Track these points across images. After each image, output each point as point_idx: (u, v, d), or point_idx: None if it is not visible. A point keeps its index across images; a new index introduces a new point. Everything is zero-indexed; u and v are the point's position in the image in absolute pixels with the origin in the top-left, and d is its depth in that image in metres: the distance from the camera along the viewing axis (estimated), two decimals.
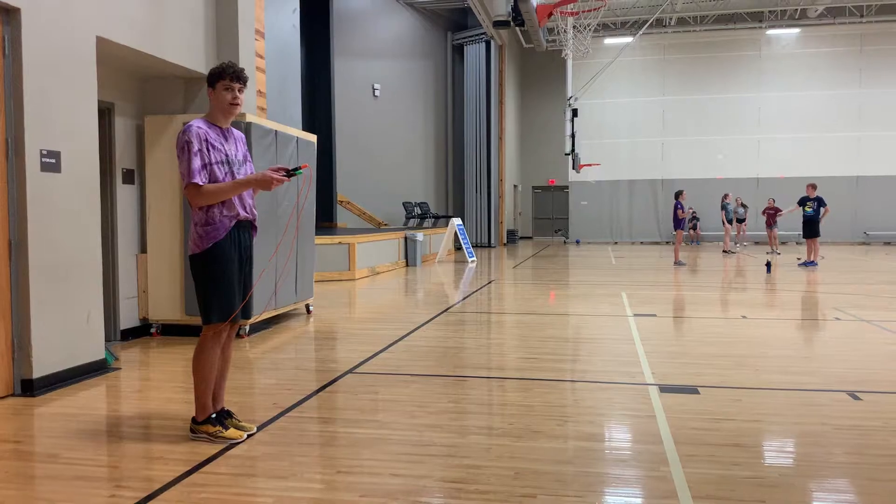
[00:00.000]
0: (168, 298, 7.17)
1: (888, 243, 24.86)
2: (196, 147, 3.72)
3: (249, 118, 7.06)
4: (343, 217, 21.89)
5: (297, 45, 11.07)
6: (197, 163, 3.70)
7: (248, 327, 7.10)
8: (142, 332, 7.27)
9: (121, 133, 7.04)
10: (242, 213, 3.93)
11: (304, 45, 17.97)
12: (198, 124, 3.83)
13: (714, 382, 5.14)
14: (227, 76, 3.87)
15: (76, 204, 5.44)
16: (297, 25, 11.01)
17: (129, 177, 7.14)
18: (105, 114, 6.84)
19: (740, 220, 22.81)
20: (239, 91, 3.91)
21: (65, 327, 5.33)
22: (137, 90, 7.28)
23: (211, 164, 3.77)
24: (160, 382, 5.45)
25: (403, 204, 23.03)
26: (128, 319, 7.13)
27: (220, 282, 3.83)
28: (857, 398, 4.68)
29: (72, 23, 5.41)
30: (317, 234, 9.35)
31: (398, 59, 23.83)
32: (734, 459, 3.54)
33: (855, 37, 25.89)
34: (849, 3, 24.84)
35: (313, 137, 8.74)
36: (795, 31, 26.55)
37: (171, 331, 7.21)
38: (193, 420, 3.97)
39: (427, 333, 7.41)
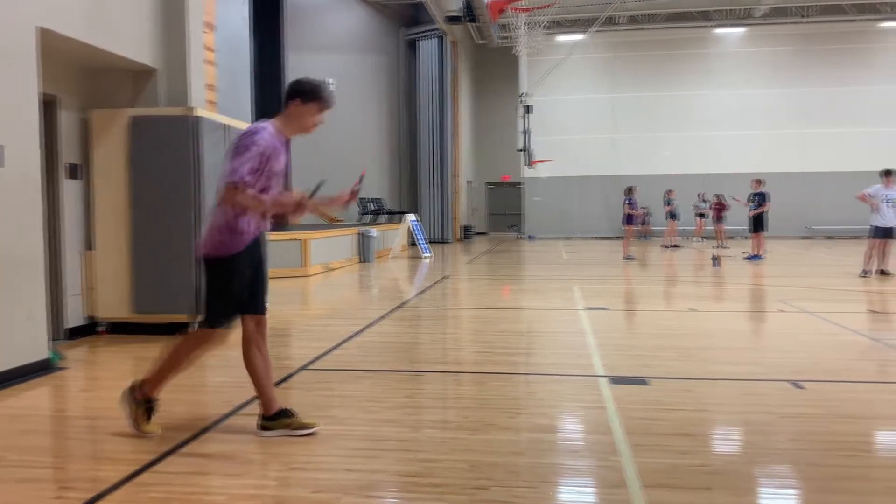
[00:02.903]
0: (116, 296, 7.01)
1: (830, 237, 25.67)
2: (259, 151, 3.60)
3: (199, 112, 6.95)
4: None
5: (248, 38, 10.91)
6: (251, 165, 3.58)
7: (196, 325, 6.97)
8: (90, 330, 7.09)
9: (65, 127, 6.85)
10: (264, 226, 3.89)
11: (256, 39, 17.70)
12: (269, 131, 3.70)
13: (663, 374, 5.26)
14: (326, 103, 3.86)
15: (18, 199, 5.28)
16: (248, 18, 10.85)
17: (74, 172, 6.95)
18: (48, 107, 6.64)
19: (700, 216, 23.28)
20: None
21: (5, 326, 5.17)
22: (83, 83, 7.09)
23: (264, 173, 3.67)
24: (108, 381, 5.34)
25: (359, 200, 22.90)
26: (74, 318, 6.95)
27: (231, 291, 3.76)
28: (799, 387, 4.84)
29: (12, 13, 5.25)
30: (269, 230, 9.25)
31: (351, 53, 23.66)
32: (682, 448, 3.63)
33: (799, 36, 26.63)
34: (792, 4, 25.54)
35: None
36: (742, 30, 27.19)
37: (120, 329, 7.05)
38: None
39: (382, 329, 7.40)
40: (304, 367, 5.57)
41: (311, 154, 22.37)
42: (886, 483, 3.19)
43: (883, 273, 11.99)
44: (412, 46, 25.12)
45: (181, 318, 6.91)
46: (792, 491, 3.23)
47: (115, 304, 7.02)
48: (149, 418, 3.87)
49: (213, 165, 7.09)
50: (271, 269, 10.25)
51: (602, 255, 19.18)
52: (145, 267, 6.94)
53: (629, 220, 17.22)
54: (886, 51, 26.47)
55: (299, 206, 3.74)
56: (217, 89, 8.44)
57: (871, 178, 12.70)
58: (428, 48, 24.51)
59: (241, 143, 3.63)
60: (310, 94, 3.81)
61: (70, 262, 6.90)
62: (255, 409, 4.39)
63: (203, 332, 3.86)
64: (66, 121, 6.86)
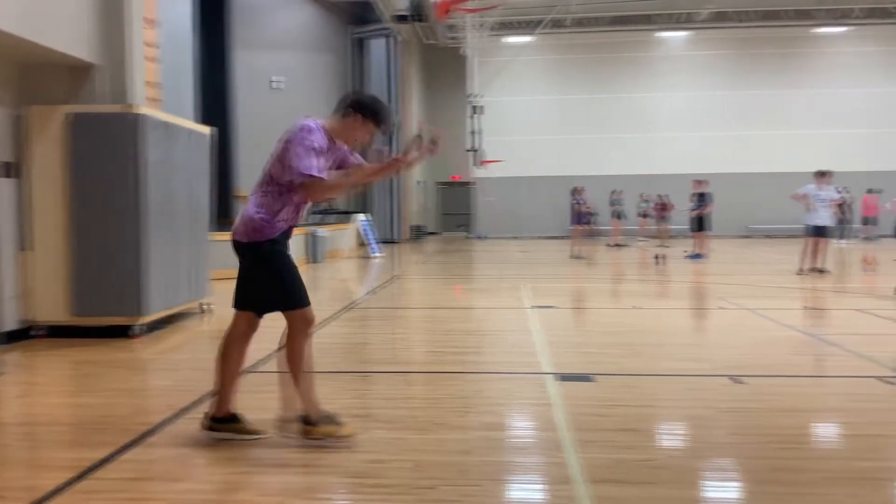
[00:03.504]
0: (54, 298, 6.78)
1: (769, 236, 26.44)
2: (317, 146, 3.61)
3: (140, 109, 6.78)
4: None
5: (191, 34, 10.70)
6: (318, 161, 3.59)
7: (137, 328, 6.81)
8: (27, 334, 6.85)
9: None
10: (295, 222, 3.81)
11: (200, 36, 17.36)
12: (321, 132, 3.71)
13: (608, 370, 5.34)
14: (383, 126, 3.87)
15: None
16: (191, 14, 10.64)
17: (7, 170, 6.71)
18: None
19: (644, 216, 23.70)
20: None
21: None
22: (17, 78, 6.84)
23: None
24: (46, 387, 5.18)
25: None
26: (10, 321, 6.70)
27: (290, 268, 3.71)
28: (739, 382, 4.97)
29: None
30: (213, 230, 9.07)
31: (299, 51, 23.41)
32: (627, 444, 3.69)
33: (738, 41, 27.37)
34: (732, 9, 26.23)
35: (209, 129, 8.48)
36: (684, 34, 27.82)
37: (59, 332, 6.82)
38: (305, 421, 3.71)
39: (331, 330, 7.34)
40: (249, 370, 5.48)
41: (261, 153, 22.04)
42: (822, 474, 3.30)
43: (818, 271, 12.41)
44: (361, 45, 24.97)
45: (123, 320, 6.73)
46: (733, 483, 3.32)
47: (53, 306, 6.80)
48: (338, 422, 3.72)
49: (157, 163, 6.94)
50: (216, 271, 10.10)
51: (551, 254, 19.39)
52: (85, 268, 6.74)
53: (578, 219, 17.46)
54: (821, 56, 27.40)
55: (391, 166, 3.89)
56: (160, 86, 8.25)
57: (807, 178, 13.13)
58: (377, 47, 24.41)
59: (302, 140, 3.61)
60: (371, 115, 3.84)
61: (5, 263, 6.66)
62: (199, 413, 4.30)
63: (294, 318, 3.72)
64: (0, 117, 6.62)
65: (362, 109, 3.82)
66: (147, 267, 6.82)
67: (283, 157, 3.62)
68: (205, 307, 8.54)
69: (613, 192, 22.52)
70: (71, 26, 6.61)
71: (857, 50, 27.17)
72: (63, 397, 4.85)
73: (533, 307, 8.82)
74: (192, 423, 4.06)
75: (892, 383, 4.92)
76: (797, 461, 3.47)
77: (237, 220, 3.76)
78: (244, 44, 21.17)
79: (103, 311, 6.75)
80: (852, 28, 26.80)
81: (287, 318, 3.72)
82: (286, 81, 23.10)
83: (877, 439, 3.81)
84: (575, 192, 17.59)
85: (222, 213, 19.04)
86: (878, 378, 5.04)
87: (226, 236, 12.69)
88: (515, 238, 27.46)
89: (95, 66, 6.95)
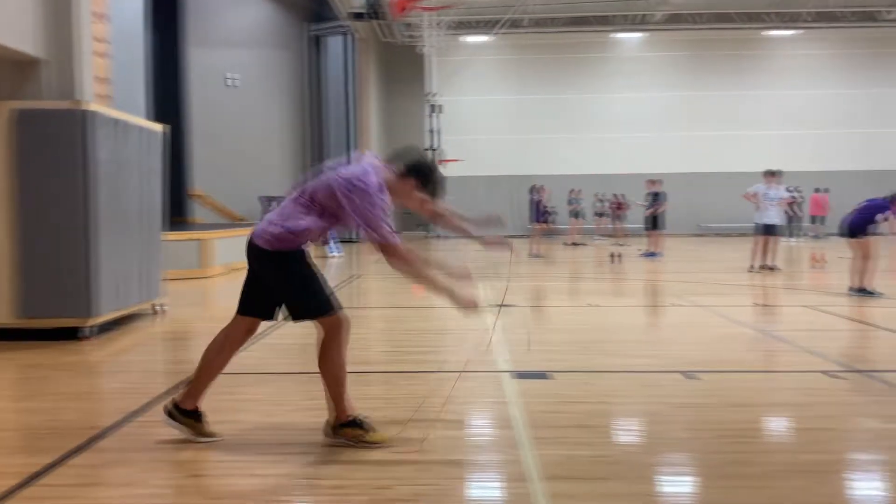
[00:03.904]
0: None
1: (721, 235, 26.97)
2: (386, 208, 3.58)
3: (89, 106, 6.61)
4: (198, 212, 20.99)
5: (142, 29, 10.48)
6: (387, 221, 3.56)
7: (87, 329, 6.63)
8: None
9: None
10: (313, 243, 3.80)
11: (153, 32, 17.04)
12: (381, 187, 3.56)
13: (564, 367, 5.39)
14: (433, 195, 3.79)
15: None
16: (143, 10, 10.43)
17: None
18: None
19: (600, 215, 23.98)
20: None
21: None
22: None
23: None
24: None
25: (259, 198, 22.39)
26: None
27: (314, 275, 3.70)
28: (692, 378, 5.06)
29: None
30: (167, 229, 8.91)
31: (254, 48, 23.13)
32: (581, 440, 3.73)
33: (692, 42, 27.86)
34: (686, 11, 26.69)
35: (161, 127, 8.32)
36: (639, 35, 28.22)
37: (5, 335, 6.59)
38: (339, 424, 3.65)
39: (287, 331, 7.20)
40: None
41: (216, 151, 21.78)
42: (771, 467, 3.38)
43: (769, 268, 12.71)
44: (318, 43, 24.79)
45: (72, 322, 6.56)
46: (686, 478, 3.37)
47: None
48: (371, 429, 3.65)
49: (106, 161, 6.78)
50: (170, 271, 9.91)
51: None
52: (32, 269, 6.54)
53: (537, 218, 17.59)
54: (772, 58, 28.06)
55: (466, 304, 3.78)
56: (109, 83, 8.05)
57: (758, 178, 13.43)
58: (334, 45, 24.25)
59: (374, 200, 3.52)
60: (421, 174, 3.73)
61: None
62: (151, 416, 4.24)
63: (328, 323, 3.67)
64: None
65: (422, 178, 3.72)
66: (97, 267, 6.65)
67: (343, 200, 3.54)
68: (158, 308, 8.37)
69: (572, 192, 22.74)
70: (16, 19, 6.41)
71: (806, 53, 27.89)
72: (9, 402, 4.70)
73: (490, 306, 8.83)
74: (144, 427, 3.99)
75: (838, 377, 5.06)
76: (747, 455, 3.55)
77: (261, 225, 3.74)
78: (198, 40, 20.85)
79: (51, 312, 6.56)
80: (801, 31, 27.49)
81: (322, 324, 3.68)
82: (241, 79, 22.81)
83: (823, 432, 3.91)
84: (534, 190, 17.72)
85: (176, 213, 18.75)
86: (825, 373, 5.18)
87: (178, 236, 12.47)
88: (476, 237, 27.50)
89: (42, 61, 6.75)
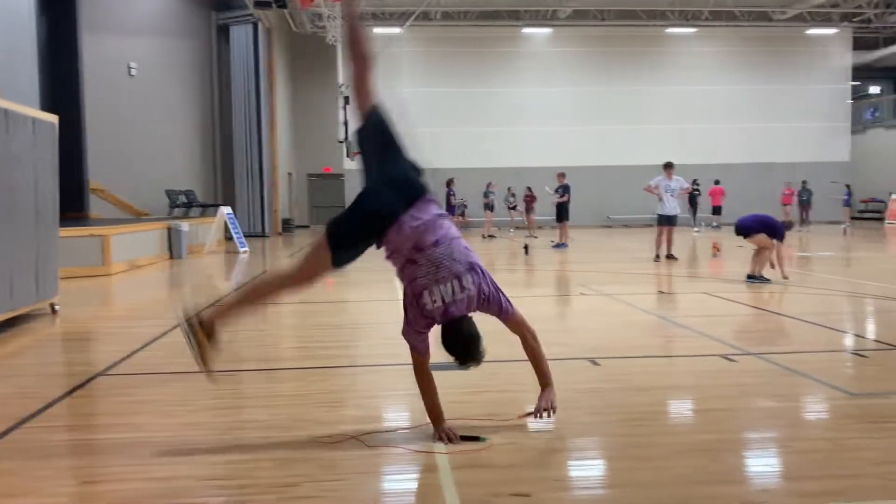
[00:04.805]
0: None
1: (627, 226, 27.86)
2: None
3: None
4: (97, 207, 20.03)
5: (31, 15, 9.90)
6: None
7: None
8: None
9: None
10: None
11: (44, 18, 16.12)
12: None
13: None
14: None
15: None
16: None
17: None
18: None
19: (512, 208, 24.29)
20: None
21: None
22: None
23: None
24: None
25: (167, 192, 21.62)
26: None
27: None
28: (597, 364, 5.20)
29: None
30: (63, 225, 8.47)
31: (157, 37, 22.25)
32: (491, 428, 3.77)
33: (599, 38, 28.58)
34: (593, 8, 27.34)
35: (54, 118, 7.90)
36: (548, 30, 28.73)
37: None
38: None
39: None
40: (101, 373, 5.15)
41: (116, 143, 20.82)
42: (671, 448, 3.51)
43: (670, 257, 13.21)
44: (225, 32, 24.06)
45: None
46: (590, 462, 3.46)
47: None
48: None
49: None
50: (66, 269, 9.45)
51: None
52: None
53: (450, 211, 17.70)
54: (674, 54, 29.10)
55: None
56: None
57: (660, 170, 13.92)
58: (241, 34, 23.60)
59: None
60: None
61: None
62: (45, 421, 4.05)
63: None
64: None
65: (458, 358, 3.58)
66: None
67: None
68: (55, 307, 7.96)
69: (488, 185, 22.97)
70: None
71: (706, 50, 29.07)
72: None
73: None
74: (37, 433, 3.78)
75: (734, 360, 5.31)
76: (649, 437, 3.67)
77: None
78: (96, 27, 19.88)
79: None
80: (701, 29, 28.64)
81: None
82: (144, 68, 21.92)
83: (719, 413, 4.10)
84: (447, 183, 17.82)
85: (75, 207, 17.84)
86: (722, 356, 5.42)
87: (76, 231, 11.90)
88: None
89: None
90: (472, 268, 3.48)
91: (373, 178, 3.64)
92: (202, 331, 3.52)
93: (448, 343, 3.49)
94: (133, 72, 21.70)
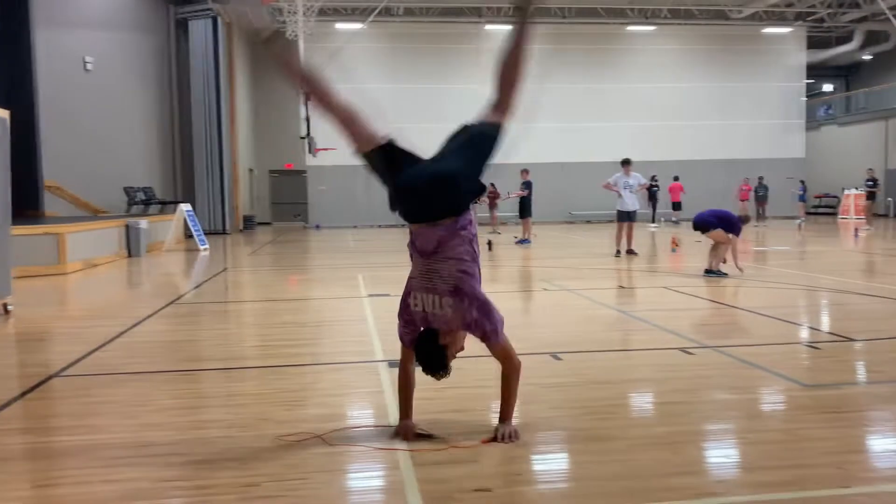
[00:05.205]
0: None
1: (589, 222, 28.15)
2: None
3: None
4: (54, 205, 19.56)
5: None
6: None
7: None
8: None
9: None
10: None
11: None
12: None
13: None
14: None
15: None
16: None
17: None
18: None
19: (474, 203, 24.40)
20: None
21: None
22: None
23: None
24: None
25: (125, 189, 21.20)
26: None
27: None
28: (558, 358, 5.25)
29: None
30: (18, 223, 8.26)
31: (114, 31, 21.77)
32: (454, 424, 3.79)
33: (559, 36, 28.66)
34: (554, 5, 27.53)
35: (5, 113, 7.69)
36: (509, 27, 28.79)
37: None
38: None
39: (151, 328, 6.93)
40: (57, 374, 5.04)
41: (72, 140, 20.34)
42: (634, 440, 3.55)
43: (631, 252, 13.38)
44: (183, 26, 23.65)
45: None
46: (552, 455, 3.49)
47: None
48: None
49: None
50: (20, 268, 9.21)
51: (388, 242, 19.50)
52: None
53: None
54: (634, 52, 29.45)
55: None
56: None
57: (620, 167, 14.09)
58: (200, 28, 23.22)
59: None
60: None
61: None
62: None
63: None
64: None
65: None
66: None
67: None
68: (9, 307, 7.77)
69: None
70: None
71: (665, 48, 29.48)
72: None
73: (368, 296, 8.82)
74: None
75: (692, 353, 5.40)
76: (608, 430, 3.72)
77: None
78: (48, 21, 19.39)
79: None
80: (660, 27, 29.03)
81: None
82: (100, 62, 21.45)
83: (678, 406, 4.17)
84: None
85: (30, 206, 17.40)
86: (681, 349, 5.52)
87: (30, 230, 11.65)
88: (353, 227, 27.33)
89: None
90: (457, 293, 3.48)
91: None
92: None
93: (417, 348, 3.55)
94: (89, 66, 21.23)
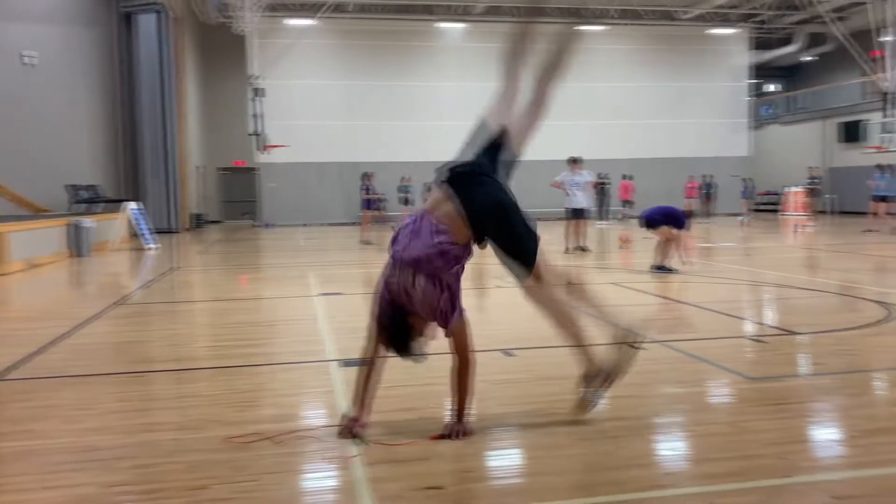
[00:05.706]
0: None
1: (540, 220, 28.35)
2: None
3: None
4: None
5: None
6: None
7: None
8: None
9: None
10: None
11: None
12: None
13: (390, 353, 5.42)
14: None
15: None
16: None
17: None
18: None
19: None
20: None
21: None
22: None
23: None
24: None
25: (68, 187, 20.60)
26: None
27: None
28: (510, 355, 5.30)
29: None
30: None
31: (55, 24, 21.15)
32: (405, 423, 3.79)
33: (507, 35, 28.98)
34: (506, 4, 27.68)
35: None
36: (462, 25, 28.90)
37: None
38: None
39: (96, 329, 6.76)
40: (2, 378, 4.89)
41: (11, 136, 19.70)
42: (582, 435, 3.61)
43: (582, 249, 13.56)
44: (129, 20, 23.09)
45: None
46: (503, 451, 3.52)
47: None
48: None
49: None
50: None
51: (340, 240, 19.38)
52: None
53: (367, 205, 17.61)
54: (583, 51, 29.78)
55: None
56: None
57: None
58: (146, 23, 22.73)
59: None
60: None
61: None
62: None
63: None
64: None
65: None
66: None
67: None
68: None
69: (403, 179, 22.96)
70: None
71: (613, 48, 29.87)
72: None
73: (320, 295, 8.76)
74: None
75: (643, 348, 5.49)
76: (557, 426, 3.77)
77: None
78: None
79: None
80: (609, 27, 29.43)
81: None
82: (41, 57, 20.80)
83: (626, 399, 4.26)
84: (364, 177, 17.72)
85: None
86: (629, 344, 5.59)
87: None
88: (304, 225, 27.07)
89: None
90: (431, 278, 3.69)
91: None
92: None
93: (384, 325, 3.67)
94: (27, 60, 20.56)
